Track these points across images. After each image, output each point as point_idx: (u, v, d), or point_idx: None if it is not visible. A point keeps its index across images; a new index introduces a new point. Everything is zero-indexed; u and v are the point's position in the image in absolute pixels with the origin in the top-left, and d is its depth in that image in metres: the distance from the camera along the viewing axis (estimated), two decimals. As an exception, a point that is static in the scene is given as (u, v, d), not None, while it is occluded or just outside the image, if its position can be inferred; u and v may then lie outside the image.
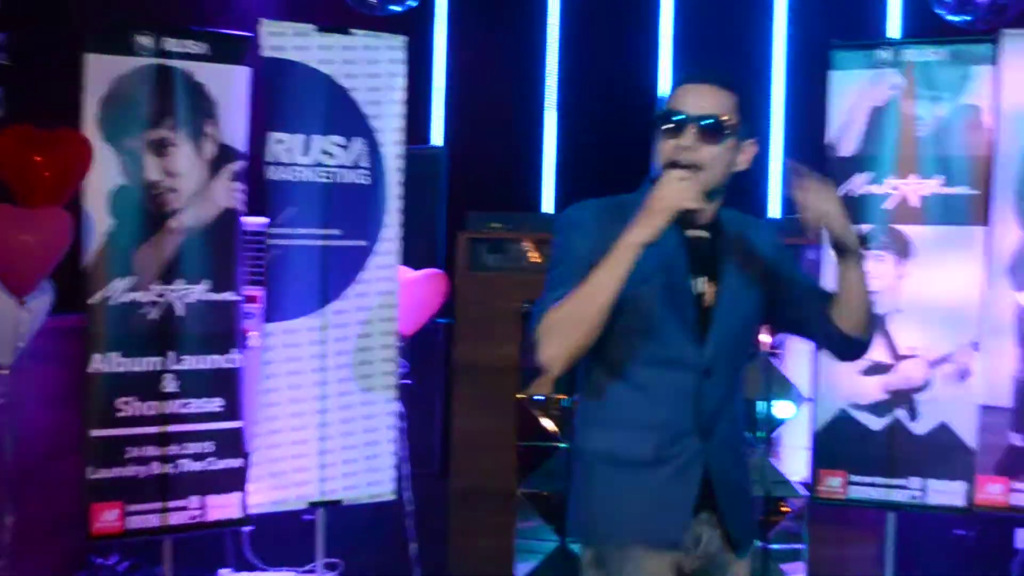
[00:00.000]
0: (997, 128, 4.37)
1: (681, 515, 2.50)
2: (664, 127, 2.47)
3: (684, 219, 2.42)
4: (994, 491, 4.46)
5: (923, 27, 5.21)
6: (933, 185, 4.44)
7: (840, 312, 2.52)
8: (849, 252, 2.43)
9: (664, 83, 5.66)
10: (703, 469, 2.51)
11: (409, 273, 4.77)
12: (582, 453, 2.60)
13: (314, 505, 4.54)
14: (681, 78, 2.56)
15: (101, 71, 4.11)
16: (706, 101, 2.45)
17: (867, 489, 4.54)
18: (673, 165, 2.40)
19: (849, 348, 2.61)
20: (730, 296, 2.54)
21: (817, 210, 2.37)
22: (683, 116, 2.45)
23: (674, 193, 2.33)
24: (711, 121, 2.44)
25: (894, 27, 5.45)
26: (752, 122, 2.53)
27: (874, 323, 2.58)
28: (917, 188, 4.45)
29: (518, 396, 4.84)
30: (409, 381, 4.88)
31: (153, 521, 4.27)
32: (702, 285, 2.53)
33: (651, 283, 2.45)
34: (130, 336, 4.21)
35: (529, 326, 2.44)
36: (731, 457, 2.58)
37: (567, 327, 2.36)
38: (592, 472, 2.56)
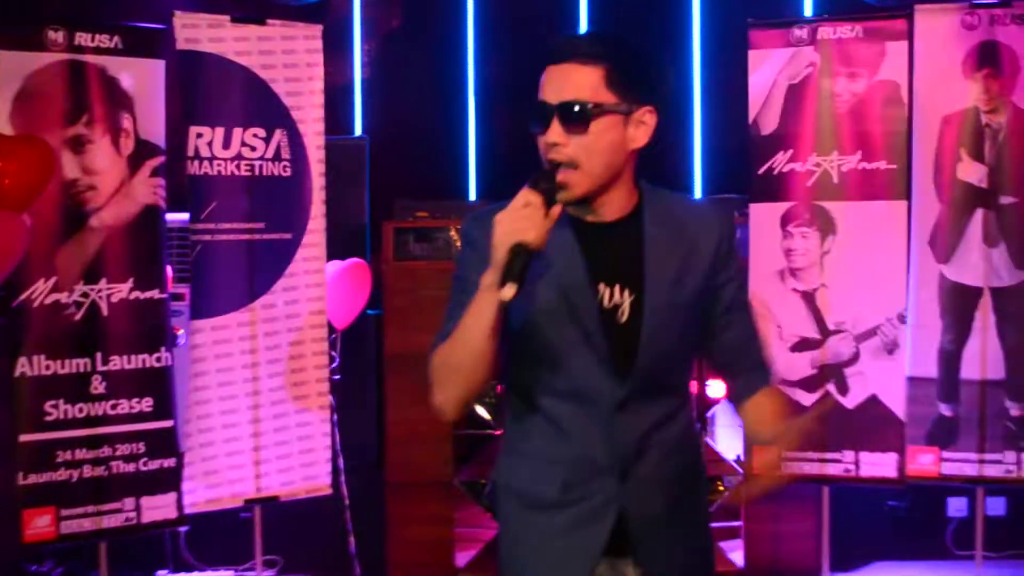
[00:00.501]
0: (913, 103, 4.43)
1: (584, 566, 2.17)
2: (534, 121, 2.12)
3: (579, 210, 2.13)
4: (925, 461, 4.53)
5: (838, 4, 5.26)
6: (853, 161, 4.49)
7: (743, 413, 2.35)
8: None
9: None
10: (617, 513, 2.16)
11: (330, 266, 4.74)
12: (496, 485, 2.33)
13: (250, 502, 4.51)
14: (544, 57, 2.14)
15: (12, 67, 4.02)
16: (566, 84, 2.08)
17: (801, 464, 4.59)
18: (551, 166, 2.08)
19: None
20: (659, 307, 2.13)
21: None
22: (544, 107, 2.09)
23: (508, 226, 1.97)
24: (569, 109, 2.07)
25: (809, 5, 5.51)
26: (644, 89, 2.12)
27: None
28: (838, 164, 4.50)
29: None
30: (338, 376, 4.85)
31: (87, 525, 4.20)
32: (616, 296, 2.14)
33: (546, 302, 2.11)
34: (55, 338, 4.13)
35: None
36: (660, 498, 2.20)
37: (449, 374, 2.09)
38: (504, 507, 2.30)
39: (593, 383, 2.13)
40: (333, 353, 4.76)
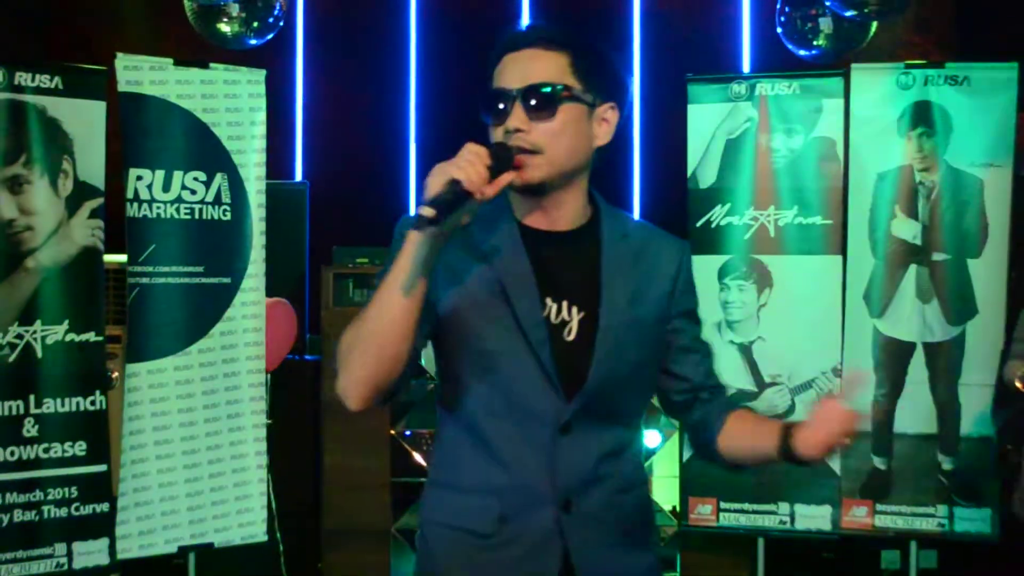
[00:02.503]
0: (848, 160, 4.51)
1: None
2: (489, 112, 1.99)
3: (532, 216, 2.00)
4: (859, 514, 4.57)
5: (776, 61, 5.35)
6: (790, 215, 4.56)
7: (731, 447, 2.11)
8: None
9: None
10: (562, 551, 1.97)
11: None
12: (422, 521, 2.11)
13: (185, 549, 4.45)
14: (500, 48, 2.03)
15: (-50, 107, 4.01)
16: (531, 68, 1.97)
17: (737, 516, 4.62)
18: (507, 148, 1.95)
19: (712, 459, 2.16)
20: (613, 326, 1.99)
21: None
22: (504, 92, 1.97)
23: (446, 167, 1.83)
24: (537, 91, 1.95)
25: (748, 61, 5.61)
26: (607, 83, 2.02)
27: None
28: (775, 218, 4.57)
29: (390, 432, 4.83)
30: (268, 420, 4.82)
31: (16, 571, 4.12)
32: (564, 313, 1.99)
33: (489, 307, 1.96)
34: (-13, 380, 4.09)
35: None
36: (608, 537, 2.02)
37: (358, 351, 1.87)
38: (431, 544, 2.06)
39: (535, 399, 1.96)
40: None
